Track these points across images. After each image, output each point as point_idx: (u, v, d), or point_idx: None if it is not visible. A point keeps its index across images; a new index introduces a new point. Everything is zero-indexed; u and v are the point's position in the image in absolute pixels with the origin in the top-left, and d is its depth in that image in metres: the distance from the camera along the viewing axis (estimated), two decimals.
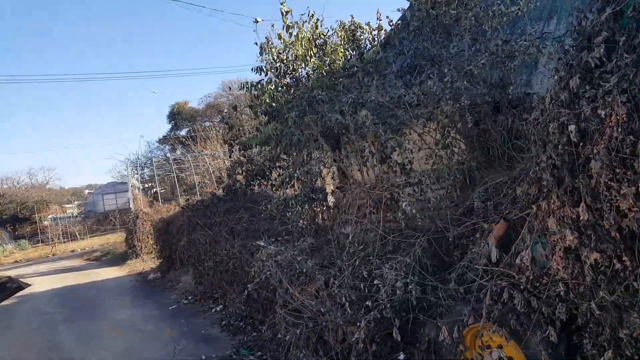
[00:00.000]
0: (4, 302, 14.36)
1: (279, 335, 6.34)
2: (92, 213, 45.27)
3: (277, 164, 9.13)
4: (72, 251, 30.85)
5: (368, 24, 7.01)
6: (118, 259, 21.76)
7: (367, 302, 4.39)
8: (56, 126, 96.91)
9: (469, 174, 5.44)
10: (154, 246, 18.17)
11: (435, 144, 5.19)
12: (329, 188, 7.14)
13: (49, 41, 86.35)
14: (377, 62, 6.01)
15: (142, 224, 20.20)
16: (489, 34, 6.77)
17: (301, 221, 7.85)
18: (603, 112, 3.02)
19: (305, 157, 5.65)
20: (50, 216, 42.66)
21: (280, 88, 6.66)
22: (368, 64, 5.94)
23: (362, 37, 6.96)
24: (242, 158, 9.52)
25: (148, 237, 19.97)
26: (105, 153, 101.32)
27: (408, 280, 4.26)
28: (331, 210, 7.40)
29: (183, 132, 45.72)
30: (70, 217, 42.76)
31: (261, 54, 7.46)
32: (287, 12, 6.41)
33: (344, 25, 6.92)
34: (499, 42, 4.97)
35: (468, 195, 5.32)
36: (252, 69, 6.66)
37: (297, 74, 6.75)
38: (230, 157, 10.23)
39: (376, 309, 4.28)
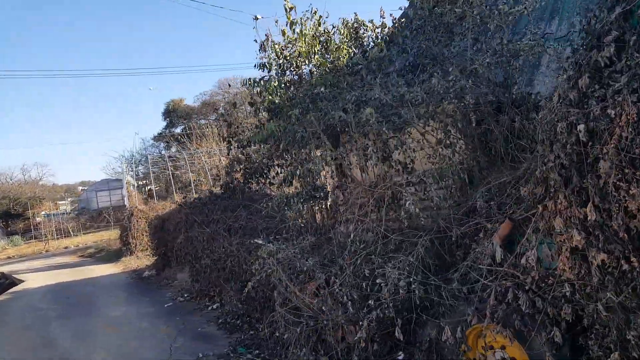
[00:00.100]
0: None
1: (277, 334, 6.31)
2: (86, 210, 45.00)
3: (276, 162, 9.09)
4: (66, 248, 30.68)
5: (371, 21, 7.00)
6: (112, 256, 21.64)
7: (370, 301, 4.36)
8: (50, 122, 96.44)
9: (470, 173, 5.43)
10: (149, 243, 18.07)
11: (438, 142, 5.16)
12: (329, 187, 7.11)
13: (45, 37, 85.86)
14: (381, 60, 5.97)
15: (137, 221, 20.11)
16: (490, 33, 6.78)
17: (300, 220, 7.82)
18: (613, 112, 3.00)
19: (307, 155, 5.61)
20: (43, 212, 42.40)
21: (283, 85, 6.61)
22: (372, 61, 5.90)
23: (364, 34, 6.93)
24: (240, 156, 9.47)
25: (143, 235, 19.89)
26: (99, 150, 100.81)
27: (411, 279, 4.23)
28: (332, 209, 7.38)
29: (178, 130, 45.59)
30: (63, 213, 42.51)
31: (260, 51, 7.42)
32: (291, 9, 6.36)
33: (347, 23, 6.89)
34: (505, 40, 4.94)
35: (469, 195, 5.31)
36: (255, 66, 6.61)
37: (300, 71, 6.70)
38: (228, 154, 10.16)
39: (379, 308, 4.24)
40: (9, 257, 29.02)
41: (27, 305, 12.68)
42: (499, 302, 3.80)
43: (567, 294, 3.41)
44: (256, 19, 8.17)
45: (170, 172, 27.16)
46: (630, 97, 2.93)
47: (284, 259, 5.48)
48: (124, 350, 7.76)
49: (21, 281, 17.09)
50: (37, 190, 49.38)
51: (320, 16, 6.61)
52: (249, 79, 6.63)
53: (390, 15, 6.68)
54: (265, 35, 7.25)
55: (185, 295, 11.10)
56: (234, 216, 9.61)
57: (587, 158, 3.19)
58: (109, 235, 29.18)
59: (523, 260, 3.67)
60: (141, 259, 18.66)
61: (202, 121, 44.53)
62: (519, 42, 5.04)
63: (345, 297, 4.61)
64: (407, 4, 7.84)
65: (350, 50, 6.70)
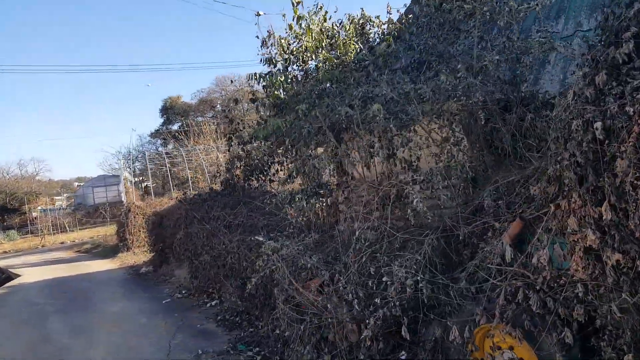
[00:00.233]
0: None
1: (277, 331, 6.25)
2: (82, 206, 44.80)
3: (277, 159, 9.03)
4: (62, 243, 30.53)
5: (378, 17, 6.93)
6: (109, 251, 21.53)
7: (376, 300, 4.30)
8: (47, 118, 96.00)
9: (475, 172, 5.37)
10: (147, 240, 17.98)
11: (445, 140, 5.09)
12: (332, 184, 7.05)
13: (42, 32, 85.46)
14: (388, 56, 5.91)
15: (134, 217, 20.03)
16: (496, 30, 6.73)
17: (301, 218, 7.76)
18: (631, 109, 2.94)
19: (312, 151, 5.54)
20: (39, 208, 42.20)
21: (289, 80, 6.53)
22: (379, 57, 5.83)
23: (370, 30, 6.86)
24: (241, 152, 9.39)
25: (140, 231, 19.81)
26: (96, 146, 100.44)
27: (418, 278, 4.17)
28: (333, 207, 7.31)
29: (175, 127, 45.43)
30: (59, 209, 42.31)
31: (262, 47, 7.34)
32: (297, 3, 6.27)
33: (353, 19, 6.81)
34: (515, 37, 4.89)
35: (475, 193, 5.25)
36: (260, 60, 6.54)
37: (307, 66, 6.62)
38: (229, 151, 10.08)
39: (386, 306, 4.18)
40: (4, 252, 28.84)
41: (24, 299, 12.57)
42: (508, 301, 3.74)
43: (580, 294, 3.35)
44: (258, 14, 8.05)
45: (168, 169, 27.02)
46: None
47: (287, 255, 5.41)
48: (123, 346, 7.69)
49: (17, 275, 16.98)
50: (33, 185, 49.15)
51: (327, 11, 6.55)
52: (254, 73, 6.55)
53: (398, 11, 6.64)
54: (268, 31, 7.18)
55: (183, 292, 11.02)
56: (234, 213, 9.53)
57: (604, 156, 3.14)
58: (106, 231, 29.08)
59: (534, 260, 3.61)
60: (138, 255, 18.57)
61: (200, 118, 44.40)
62: (529, 40, 4.97)
63: (350, 295, 4.55)
64: (409, 1, 7.79)
65: (357, 46, 6.63)
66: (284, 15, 6.41)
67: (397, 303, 4.18)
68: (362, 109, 4.97)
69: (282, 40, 6.58)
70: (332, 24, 6.67)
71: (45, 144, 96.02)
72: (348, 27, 6.66)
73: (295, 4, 6.28)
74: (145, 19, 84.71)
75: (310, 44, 6.26)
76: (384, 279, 4.36)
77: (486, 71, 4.81)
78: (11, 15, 77.59)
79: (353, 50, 6.48)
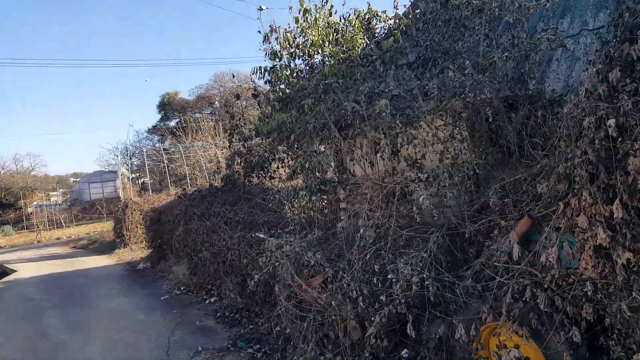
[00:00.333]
0: None
1: (278, 328, 6.20)
2: (78, 201, 44.57)
3: (277, 155, 8.98)
4: (58, 239, 30.34)
5: (384, 12, 6.88)
6: (106, 247, 21.41)
7: (382, 297, 4.26)
8: (44, 112, 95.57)
9: (479, 170, 5.34)
10: (144, 236, 17.88)
11: (451, 137, 5.06)
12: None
13: (42, 31, 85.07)
14: (395, 51, 5.86)
15: (132, 213, 19.92)
16: (502, 27, 6.69)
17: (302, 215, 7.72)
18: None
19: (317, 147, 5.50)
20: (34, 203, 41.96)
21: (295, 74, 6.49)
22: (387, 52, 5.79)
23: (377, 25, 6.82)
24: (242, 148, 9.35)
25: (137, 227, 19.71)
26: (92, 141, 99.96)
27: (424, 275, 4.13)
28: (333, 204, 7.28)
29: (172, 123, 45.27)
30: (55, 204, 42.09)
31: (264, 42, 7.28)
32: None
33: (359, 14, 6.77)
34: (523, 34, 4.86)
35: (479, 191, 5.22)
36: (266, 53, 6.48)
37: (312, 60, 6.58)
38: (229, 146, 10.02)
39: (391, 304, 4.14)
40: (0, 247, 28.67)
41: (20, 295, 12.48)
42: (515, 300, 3.71)
43: (589, 293, 3.33)
44: (260, 9, 7.99)
45: (166, 165, 26.92)
46: None
47: (291, 252, 5.37)
48: (121, 342, 7.62)
49: (13, 271, 16.89)
50: (29, 180, 48.92)
51: (332, 5, 6.51)
52: (259, 67, 6.50)
53: (405, 6, 6.59)
54: (270, 26, 7.13)
55: (182, 289, 10.96)
56: (234, 209, 9.47)
57: (616, 154, 3.11)
58: (102, 227, 28.93)
59: (542, 258, 3.58)
60: (135, 252, 18.46)
61: (197, 115, 44.25)
62: (539, 36, 4.95)
63: (355, 293, 4.51)
64: None
65: (363, 41, 6.58)
66: (290, 8, 6.37)
67: (403, 300, 4.14)
68: (367, 105, 4.93)
69: (288, 34, 6.52)
70: (340, 17, 6.63)
71: (42, 138, 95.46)
72: (354, 22, 6.61)
73: None
74: (144, 18, 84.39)
75: (316, 38, 6.21)
76: (389, 276, 4.33)
77: (495, 68, 4.77)
78: (11, 16, 77.20)
79: (360, 44, 6.43)
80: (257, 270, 6.22)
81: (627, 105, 3.01)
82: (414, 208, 4.65)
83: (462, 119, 5.16)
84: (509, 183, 4.73)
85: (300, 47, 6.52)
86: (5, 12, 74.25)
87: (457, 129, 5.12)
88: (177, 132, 32.33)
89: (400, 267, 4.26)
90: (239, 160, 9.50)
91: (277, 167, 9.43)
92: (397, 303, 4.15)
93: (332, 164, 6.91)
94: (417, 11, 6.33)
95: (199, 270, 10.17)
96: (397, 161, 5.36)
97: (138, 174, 38.41)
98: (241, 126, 9.17)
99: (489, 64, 4.81)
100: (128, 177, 31.69)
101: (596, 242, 3.23)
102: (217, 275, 9.34)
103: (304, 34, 6.47)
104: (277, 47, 7.00)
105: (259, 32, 7.32)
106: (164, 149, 30.24)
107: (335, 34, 6.48)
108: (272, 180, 9.71)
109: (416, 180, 4.69)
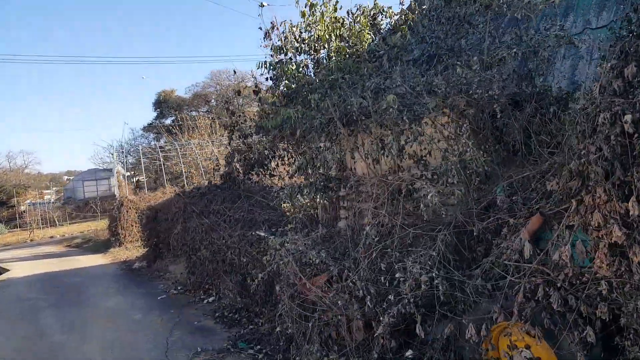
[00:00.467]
0: None
1: (279, 329, 6.11)
2: (72, 199, 44.18)
3: (277, 153, 8.90)
4: (51, 237, 30.12)
5: (390, 8, 6.81)
6: (100, 246, 21.23)
7: (390, 296, 4.18)
8: (37, 109, 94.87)
9: (485, 168, 5.28)
10: (140, 234, 17.74)
11: (457, 134, 4.99)
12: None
13: (33, 22, 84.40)
14: (403, 47, 5.80)
15: (127, 211, 19.77)
16: (504, 24, 6.63)
17: (303, 213, 7.63)
18: None
19: (323, 143, 5.41)
20: (27, 201, 41.61)
21: (300, 69, 6.40)
22: (394, 47, 5.71)
23: (382, 21, 6.74)
24: (242, 145, 9.25)
25: (132, 225, 19.56)
26: (86, 139, 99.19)
27: (433, 274, 4.06)
28: (338, 201, 7.19)
29: (168, 121, 44.98)
30: (48, 202, 41.76)
31: (265, 39, 7.20)
32: None
33: (365, 10, 6.69)
34: (532, 31, 4.80)
35: (485, 189, 5.16)
36: (270, 48, 6.38)
37: (318, 55, 6.49)
38: (229, 144, 9.92)
39: (400, 303, 4.07)
40: None
41: (15, 295, 12.30)
42: (527, 299, 3.65)
43: (604, 292, 3.27)
44: (262, 5, 7.89)
45: (162, 163, 26.73)
46: None
47: (295, 250, 5.28)
48: (119, 342, 7.51)
49: (6, 270, 16.68)
50: (22, 178, 48.51)
51: (337, 1, 6.41)
52: (264, 62, 6.40)
53: (411, 2, 6.51)
54: (271, 22, 7.04)
55: (179, 288, 10.84)
56: (234, 207, 9.37)
57: (632, 150, 3.06)
58: (96, 226, 28.71)
59: (555, 257, 3.51)
60: (131, 250, 18.31)
61: (194, 113, 44.00)
62: (549, 32, 4.89)
63: (361, 292, 4.43)
64: None
65: (369, 37, 6.50)
66: (297, 2, 6.26)
67: (412, 300, 4.06)
68: (374, 101, 4.85)
69: (294, 28, 6.43)
70: (348, 11, 6.55)
71: (35, 136, 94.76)
72: (359, 18, 6.53)
73: None
74: (141, 15, 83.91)
75: (322, 33, 6.12)
76: (397, 275, 4.25)
77: (504, 64, 4.71)
78: (2, 11, 76.46)
79: (367, 40, 6.35)
80: (257, 269, 6.15)
81: None
82: (421, 206, 4.57)
83: (468, 115, 5.09)
84: (516, 181, 4.67)
85: (306, 41, 6.44)
86: None
87: (464, 126, 5.05)
88: (173, 130, 32.10)
89: (408, 266, 4.19)
90: (239, 158, 9.40)
91: (277, 165, 9.35)
92: (405, 302, 4.07)
93: (333, 161, 6.83)
94: (424, 7, 6.26)
95: (198, 269, 10.06)
96: (402, 158, 5.29)
97: (133, 172, 38.11)
98: (241, 123, 9.07)
99: (499, 59, 4.75)
100: (124, 175, 31.43)
101: (611, 240, 3.17)
102: (216, 274, 9.24)
103: (309, 29, 6.38)
104: (279, 43, 6.92)
105: (260, 28, 7.24)
106: (160, 147, 30.00)
107: (340, 29, 6.40)
108: (272, 178, 9.63)
109: (423, 178, 4.61)
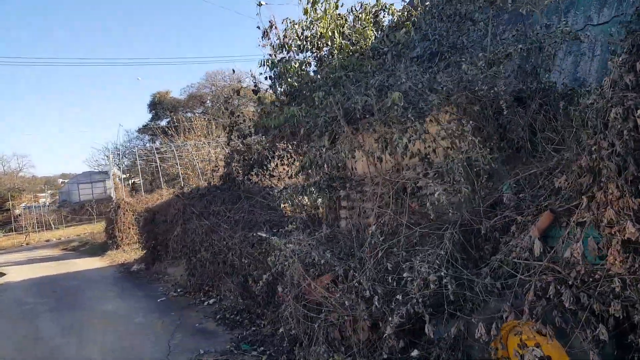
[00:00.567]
0: None
1: (282, 330, 6.04)
2: (67, 202, 43.94)
3: (277, 153, 8.84)
4: (47, 241, 29.90)
5: (392, 5, 6.76)
6: (97, 249, 21.10)
7: (398, 296, 4.13)
8: (31, 112, 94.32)
9: (490, 165, 5.25)
10: (138, 237, 17.62)
11: (462, 132, 4.95)
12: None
13: (28, 22, 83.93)
14: (406, 43, 5.75)
15: (124, 213, 19.65)
16: (506, 21, 6.60)
17: (304, 212, 7.58)
18: None
19: (327, 142, 5.35)
20: (22, 205, 41.31)
21: (303, 67, 6.34)
22: (398, 44, 5.67)
23: (384, 18, 6.69)
24: (241, 146, 9.19)
25: (130, 228, 19.44)
26: (81, 141, 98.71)
27: (442, 273, 4.01)
28: (336, 201, 7.14)
29: (163, 123, 44.80)
30: (43, 206, 41.48)
31: (264, 38, 7.13)
32: None
33: (366, 7, 6.64)
34: (538, 26, 4.77)
35: (490, 187, 5.12)
36: (272, 46, 6.31)
37: (321, 53, 6.43)
38: (228, 144, 9.84)
39: (408, 303, 4.02)
40: None
41: (12, 299, 12.16)
42: (538, 297, 3.61)
43: (617, 289, 3.23)
44: (260, 4, 7.83)
45: (158, 165, 26.59)
46: None
47: (300, 251, 5.22)
48: (119, 345, 7.43)
49: (2, 274, 16.53)
50: (16, 181, 48.20)
51: None
52: (267, 60, 6.33)
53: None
54: (269, 21, 6.99)
55: (179, 290, 10.76)
56: (234, 208, 9.29)
57: None
58: (93, 229, 28.56)
59: (567, 254, 3.47)
60: (128, 253, 18.20)
61: (189, 114, 43.84)
62: (556, 27, 4.86)
63: (368, 292, 4.38)
64: None
65: (373, 34, 6.45)
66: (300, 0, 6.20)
67: (420, 299, 4.01)
68: (378, 99, 4.80)
69: (296, 26, 6.37)
70: (352, 8, 6.49)
71: (29, 138, 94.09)
72: (361, 15, 6.48)
73: None
74: (137, 16, 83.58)
75: (325, 30, 6.07)
76: (404, 274, 4.20)
77: (511, 59, 4.67)
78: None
79: (370, 37, 6.30)
80: (259, 271, 6.08)
81: None
82: (428, 204, 4.53)
83: (472, 112, 5.05)
84: (523, 178, 4.63)
85: (309, 39, 6.38)
86: None
87: (469, 123, 5.00)
88: (169, 132, 31.95)
89: (416, 265, 4.14)
90: (238, 158, 9.33)
91: (276, 165, 9.29)
92: (414, 302, 4.01)
93: (337, 160, 6.78)
94: (427, 3, 6.23)
95: (198, 271, 9.98)
96: (405, 156, 5.24)
97: (129, 174, 37.92)
98: (240, 123, 9.00)
99: (505, 55, 4.71)
100: (120, 178, 31.27)
101: (624, 236, 3.13)
102: (217, 276, 9.16)
103: (312, 26, 6.32)
104: (278, 42, 6.86)
105: (258, 27, 7.18)
106: (156, 149, 29.85)
107: (343, 27, 6.34)
108: (272, 179, 9.57)
109: (429, 176, 4.57)
